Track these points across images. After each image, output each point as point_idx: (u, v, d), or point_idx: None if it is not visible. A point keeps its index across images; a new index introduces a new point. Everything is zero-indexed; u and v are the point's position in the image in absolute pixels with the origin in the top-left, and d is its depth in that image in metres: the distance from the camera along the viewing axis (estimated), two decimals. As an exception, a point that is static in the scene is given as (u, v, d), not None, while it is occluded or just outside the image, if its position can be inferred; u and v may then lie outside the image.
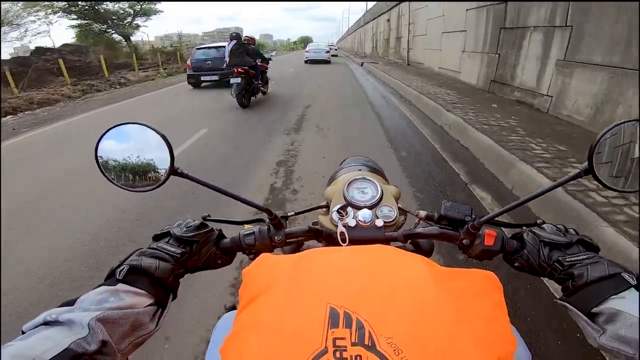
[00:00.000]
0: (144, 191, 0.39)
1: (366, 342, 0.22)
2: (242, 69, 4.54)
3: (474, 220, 0.41)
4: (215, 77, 7.47)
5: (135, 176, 0.39)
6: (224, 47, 5.60)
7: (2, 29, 11.48)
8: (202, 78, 7.60)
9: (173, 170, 0.39)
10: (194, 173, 0.39)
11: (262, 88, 5.36)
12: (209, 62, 7.48)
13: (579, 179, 0.37)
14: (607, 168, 0.36)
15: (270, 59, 6.13)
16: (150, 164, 0.39)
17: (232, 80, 4.52)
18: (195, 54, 7.83)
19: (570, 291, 0.34)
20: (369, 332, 0.23)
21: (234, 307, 0.54)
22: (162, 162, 0.39)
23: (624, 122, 0.35)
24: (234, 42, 4.78)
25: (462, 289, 0.28)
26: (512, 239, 0.42)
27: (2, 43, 11.11)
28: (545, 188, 0.38)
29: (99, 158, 0.38)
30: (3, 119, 5.15)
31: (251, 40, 5.35)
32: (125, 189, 0.40)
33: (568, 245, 0.37)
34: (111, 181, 0.39)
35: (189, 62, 7.70)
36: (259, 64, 5.05)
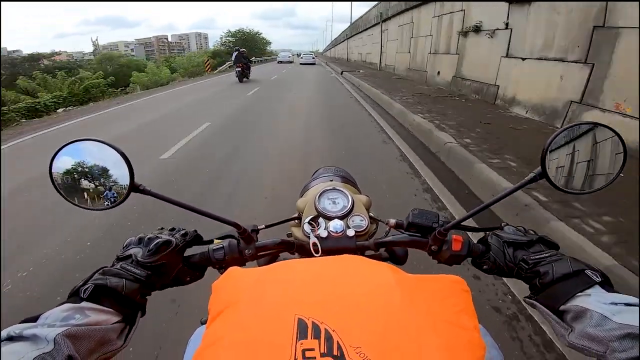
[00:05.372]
0: (103, 209, 0.49)
1: (335, 353, 0.28)
2: (241, 64, 13.10)
3: (441, 227, 0.53)
4: None
5: (94, 194, 0.48)
6: None
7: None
8: None
9: (134, 187, 0.47)
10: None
11: (248, 75, 14.17)
12: None
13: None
14: (559, 171, 0.48)
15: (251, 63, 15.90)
16: (110, 181, 0.48)
17: (236, 70, 13.24)
18: None
19: (537, 289, 0.44)
20: (338, 342, 0.28)
21: None
22: (122, 178, 0.47)
23: (574, 125, 0.47)
24: (237, 52, 13.36)
25: (429, 296, 0.35)
26: (477, 243, 0.55)
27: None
28: (504, 193, 0.50)
29: (53, 176, 0.46)
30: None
31: (243, 51, 13.83)
32: (83, 208, 0.48)
33: (530, 243, 0.49)
34: (68, 200, 0.47)
35: None
36: (247, 63, 13.89)
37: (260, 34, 51.96)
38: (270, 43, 61.17)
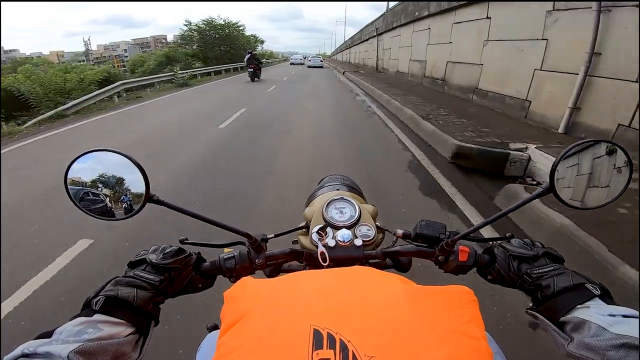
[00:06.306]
0: (118, 220, 0.51)
1: None
2: (253, 65, 16.60)
3: (449, 238, 0.58)
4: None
5: (109, 205, 0.50)
6: None
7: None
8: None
9: (149, 198, 0.49)
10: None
11: (259, 75, 17.58)
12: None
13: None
14: (567, 186, 0.52)
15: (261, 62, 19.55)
16: (125, 192, 0.50)
17: (249, 70, 16.78)
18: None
19: (539, 301, 0.48)
20: (353, 352, 0.31)
21: (215, 327, 0.68)
22: (137, 189, 0.49)
23: (583, 142, 0.51)
24: (249, 54, 16.89)
25: (439, 306, 0.38)
26: (483, 254, 0.59)
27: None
28: (510, 208, 0.53)
29: (68, 186, 0.49)
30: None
31: (255, 53, 17.78)
32: (98, 218, 0.51)
33: (535, 258, 0.53)
34: (83, 210, 0.50)
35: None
36: (258, 64, 17.50)
37: (242, 27, 34.36)
38: (263, 42, 45.90)
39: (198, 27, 30.64)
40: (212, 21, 30.87)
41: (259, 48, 43.27)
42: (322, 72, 26.12)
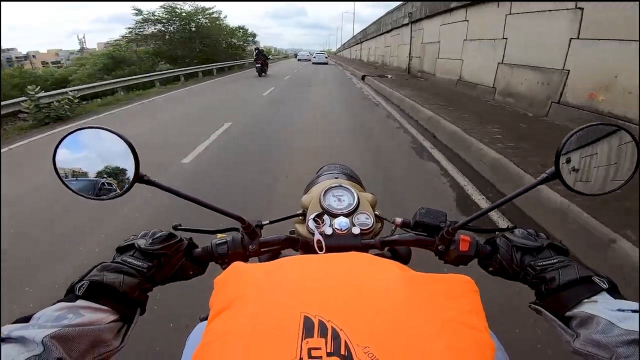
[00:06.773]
0: (106, 199, 0.50)
1: (342, 352, 0.28)
2: (260, 61, 18.28)
3: (449, 226, 0.56)
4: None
5: (98, 184, 0.49)
6: None
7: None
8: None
9: (138, 177, 0.48)
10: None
11: (266, 70, 19.17)
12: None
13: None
14: (573, 171, 0.50)
15: (268, 58, 21.03)
16: (115, 171, 0.49)
17: (256, 65, 18.35)
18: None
19: (543, 295, 0.46)
20: (345, 341, 0.29)
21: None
22: (127, 168, 0.49)
23: (589, 126, 0.48)
24: (257, 50, 19.32)
25: (438, 294, 0.37)
26: (485, 244, 0.57)
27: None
28: (514, 193, 0.52)
29: (57, 165, 0.48)
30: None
31: (262, 50, 20.00)
32: (87, 197, 0.50)
33: (539, 249, 0.51)
34: (71, 189, 0.49)
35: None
36: (265, 60, 19.00)
37: (219, 15, 25.48)
38: (254, 35, 35.70)
39: (155, 17, 22.06)
40: (175, 9, 22.56)
41: (252, 44, 34.56)
42: (328, 74, 20.52)
